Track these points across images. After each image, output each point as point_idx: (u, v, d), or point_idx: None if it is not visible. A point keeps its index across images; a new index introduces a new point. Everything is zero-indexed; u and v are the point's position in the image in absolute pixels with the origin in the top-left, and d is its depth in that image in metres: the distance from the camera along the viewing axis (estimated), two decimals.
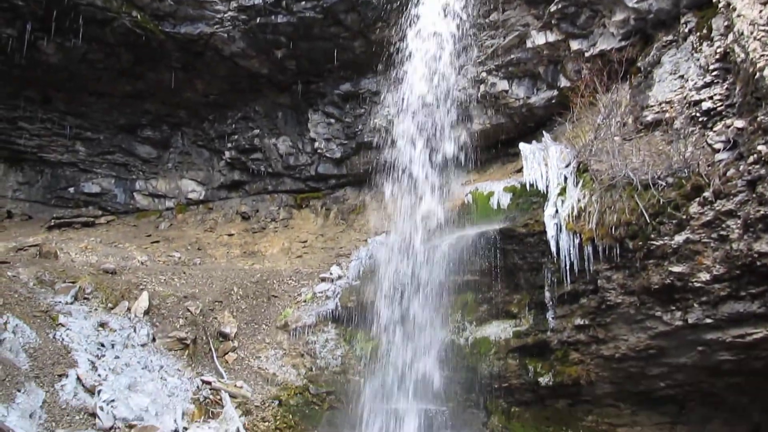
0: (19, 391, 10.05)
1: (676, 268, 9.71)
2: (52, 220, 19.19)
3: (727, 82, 9.93)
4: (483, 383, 12.43)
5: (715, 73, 10.16)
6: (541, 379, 11.91)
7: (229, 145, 19.70)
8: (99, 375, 11.39)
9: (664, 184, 9.93)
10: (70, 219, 19.38)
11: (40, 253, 16.51)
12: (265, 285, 15.77)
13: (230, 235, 19.11)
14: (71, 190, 20.07)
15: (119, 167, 20.24)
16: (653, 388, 11.10)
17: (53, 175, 20.06)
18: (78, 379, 11.01)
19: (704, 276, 9.46)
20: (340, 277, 15.44)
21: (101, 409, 10.52)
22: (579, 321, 11.31)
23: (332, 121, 18.56)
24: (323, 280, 15.63)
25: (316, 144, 18.80)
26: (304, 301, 15.00)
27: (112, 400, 10.83)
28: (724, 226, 9.16)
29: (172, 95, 18.47)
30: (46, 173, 20.04)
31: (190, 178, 20.30)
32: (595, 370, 11.35)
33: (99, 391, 10.91)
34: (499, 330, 12.60)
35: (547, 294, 11.79)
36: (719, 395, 10.74)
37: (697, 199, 9.42)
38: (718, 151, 9.50)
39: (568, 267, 11.09)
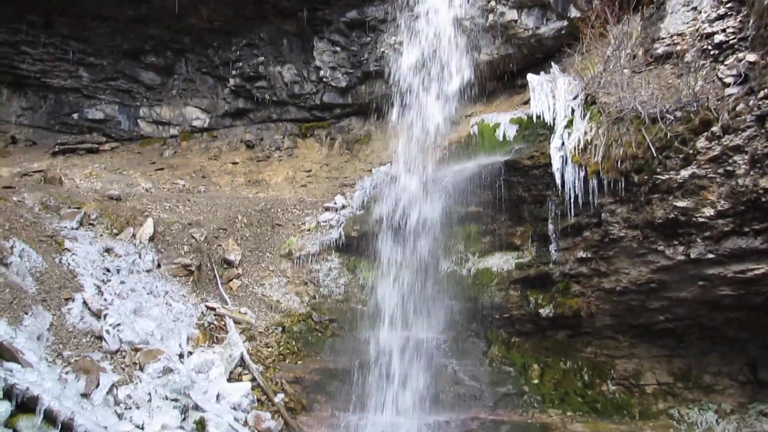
0: (26, 313, 10.18)
1: (681, 203, 9.65)
2: (57, 146, 19.15)
3: (741, 14, 9.64)
4: (484, 314, 12.56)
5: (728, 5, 9.86)
6: (541, 311, 12.01)
7: (234, 72, 19.51)
8: (105, 299, 11.52)
9: (672, 118, 9.77)
10: (74, 145, 19.34)
11: (44, 178, 16.53)
12: (269, 213, 15.81)
13: (234, 163, 19.05)
14: (75, 116, 19.96)
15: (123, 94, 20.06)
16: (653, 322, 11.20)
17: (57, 100, 19.93)
18: (84, 303, 11.13)
19: (708, 211, 9.41)
20: (344, 207, 15.45)
21: (107, 332, 10.68)
22: (581, 254, 11.34)
23: (338, 49, 18.29)
24: (327, 209, 15.64)
25: (322, 72, 18.59)
26: (308, 230, 15.06)
27: (118, 324, 10.97)
28: (730, 161, 9.05)
29: (177, 21, 18.16)
30: (49, 99, 19.90)
31: (194, 106, 20.15)
32: (596, 302, 11.43)
33: (105, 315, 11.05)
34: (501, 261, 12.67)
35: (551, 226, 11.79)
36: (718, 330, 10.83)
37: (705, 134, 9.28)
38: (729, 85, 9.30)
39: (572, 200, 11.05)
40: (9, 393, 8.32)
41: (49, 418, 8.34)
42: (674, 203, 9.72)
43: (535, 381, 12.06)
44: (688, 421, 10.72)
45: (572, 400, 11.64)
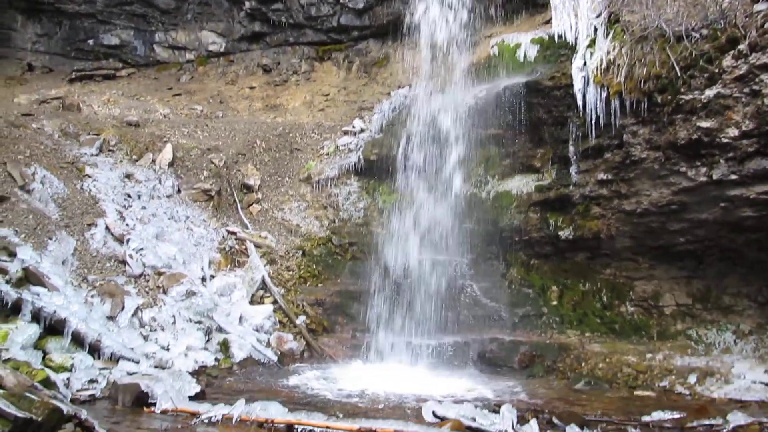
0: (50, 239, 10.37)
1: (705, 123, 9.44)
2: (73, 73, 19.07)
3: None
4: (503, 236, 12.58)
5: None
6: (561, 233, 12.01)
7: None
8: (127, 225, 11.69)
9: (698, 36, 9.46)
10: (90, 71, 19.24)
11: (63, 105, 16.55)
12: (288, 138, 15.76)
13: (252, 88, 18.89)
14: (90, 42, 19.78)
15: (138, 18, 19.77)
16: (673, 243, 11.15)
17: (72, 26, 19.71)
18: (107, 228, 11.31)
19: (732, 131, 9.21)
20: (362, 131, 15.35)
21: (130, 257, 10.88)
22: (602, 176, 11.22)
23: None
24: (346, 133, 15.55)
25: None
26: (327, 154, 15.02)
27: (141, 249, 11.16)
28: (757, 80, 8.78)
29: None
30: (64, 25, 19.68)
31: (209, 30, 19.82)
32: (616, 224, 11.38)
33: (128, 240, 11.22)
34: (521, 184, 12.61)
35: (571, 148, 11.65)
36: (738, 251, 10.76)
37: (732, 52, 8.98)
38: (757, 1, 8.95)
39: (593, 121, 10.86)
40: (37, 316, 8.57)
41: (77, 339, 8.60)
42: (698, 123, 9.52)
43: (554, 302, 12.15)
44: (706, 341, 10.78)
45: (590, 321, 11.73)
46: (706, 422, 6.48)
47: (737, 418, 6.54)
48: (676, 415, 6.89)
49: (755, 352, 10.22)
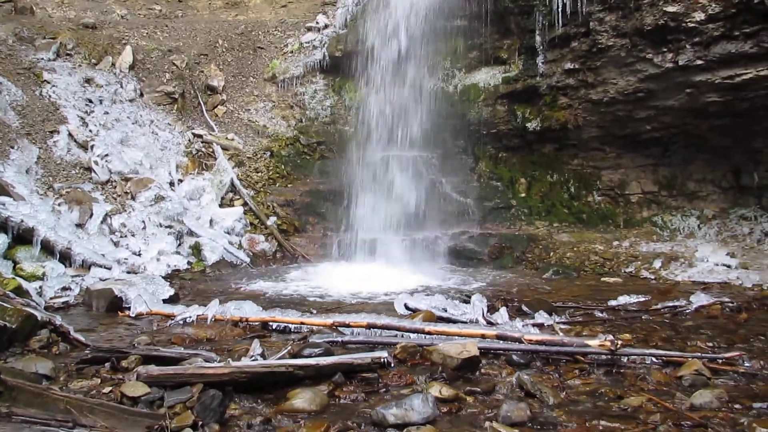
0: (12, 148, 10.03)
1: (671, 8, 9.24)
2: None
3: None
4: (471, 130, 12.46)
5: None
6: (528, 125, 11.92)
7: None
8: (90, 131, 11.34)
9: None
10: None
11: (15, 8, 15.62)
12: (250, 37, 15.21)
13: None
14: None
15: None
16: (639, 132, 11.14)
17: None
18: (69, 135, 10.96)
19: (699, 15, 9.03)
20: (326, 27, 14.83)
21: (96, 163, 10.60)
22: (569, 65, 11.04)
23: None
24: (309, 30, 15.01)
25: None
26: (291, 52, 14.56)
27: (106, 155, 10.88)
28: None
29: None
30: None
31: None
32: (583, 114, 11.31)
33: (92, 147, 10.92)
34: (488, 76, 12.38)
35: (538, 38, 11.38)
36: (703, 137, 10.80)
37: None
38: None
39: (560, 9, 10.60)
40: (4, 226, 8.36)
41: (47, 248, 8.45)
42: (664, 8, 9.31)
43: (523, 194, 12.20)
44: (671, 227, 10.97)
45: (558, 211, 11.84)
46: (670, 304, 6.63)
47: (700, 298, 6.70)
48: (642, 299, 7.04)
49: (718, 235, 10.43)
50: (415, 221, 11.35)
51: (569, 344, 4.65)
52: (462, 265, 10.41)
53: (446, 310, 6.07)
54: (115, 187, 10.46)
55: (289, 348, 4.58)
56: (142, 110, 12.53)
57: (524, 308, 6.48)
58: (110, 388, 3.95)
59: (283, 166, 12.61)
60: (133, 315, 6.38)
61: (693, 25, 9.12)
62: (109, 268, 8.56)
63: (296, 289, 8.37)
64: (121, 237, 9.54)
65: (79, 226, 9.34)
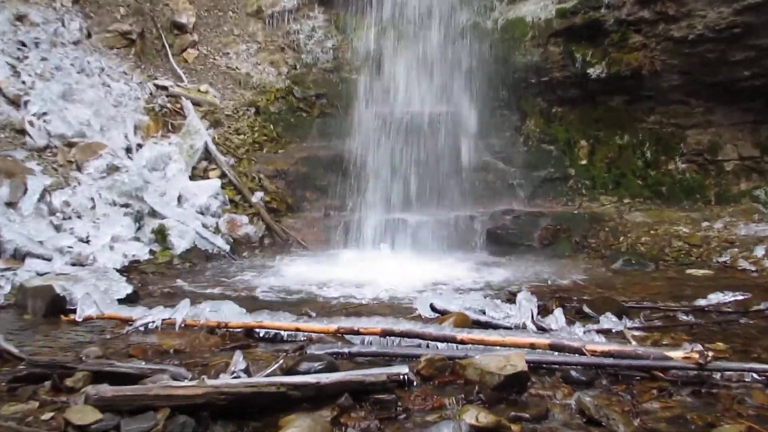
0: None
1: None
2: None
3: None
4: (516, 78, 12.44)
5: None
6: (591, 71, 11.86)
7: None
8: (23, 83, 11.33)
9: None
10: None
11: None
12: None
13: None
14: None
15: None
16: (735, 79, 11.03)
17: None
18: None
19: None
20: None
21: (31, 124, 10.61)
22: None
23: None
24: None
25: None
26: None
27: (44, 114, 10.88)
28: None
29: None
30: None
31: None
32: (662, 56, 11.22)
33: (26, 103, 10.91)
34: (537, 8, 12.33)
35: None
36: None
37: None
38: None
39: None
40: None
41: None
42: None
43: (583, 161, 12.15)
44: None
45: (630, 183, 11.79)
46: None
47: None
48: (739, 297, 6.95)
49: None
50: (444, 197, 11.34)
51: (645, 356, 4.61)
52: (504, 254, 10.38)
53: (484, 312, 6.04)
54: (56, 154, 10.48)
55: (281, 362, 4.57)
56: (90, 55, 12.52)
57: (586, 310, 6.44)
58: (52, 414, 3.94)
59: (272, 127, 12.61)
60: (80, 319, 6.39)
61: None
62: (49, 260, 8.58)
63: (290, 284, 8.36)
64: (64, 219, 9.56)
65: (10, 205, 9.36)
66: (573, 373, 4.53)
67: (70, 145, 10.65)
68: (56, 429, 3.74)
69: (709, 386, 4.40)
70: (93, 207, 9.87)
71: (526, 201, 11.56)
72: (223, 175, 11.37)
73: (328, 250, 10.54)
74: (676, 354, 4.55)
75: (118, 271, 8.44)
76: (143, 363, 4.78)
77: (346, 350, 4.98)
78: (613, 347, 4.77)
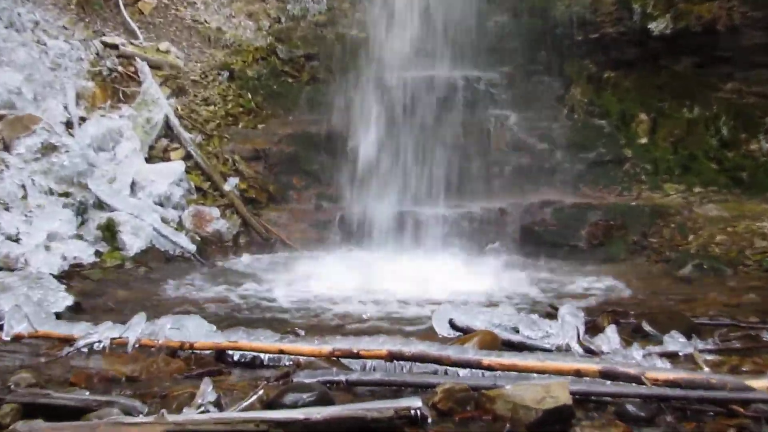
0: None
1: None
2: None
3: None
4: (558, 35, 12.47)
5: None
6: (652, 25, 11.85)
7: None
8: None
9: None
10: None
11: None
12: None
13: None
14: None
15: None
16: None
17: None
18: None
19: None
20: None
21: None
22: None
23: None
24: None
25: None
26: None
27: None
28: None
29: None
30: None
31: None
32: (741, 8, 11.21)
33: None
34: None
35: None
36: None
37: None
38: None
39: None
40: None
41: None
42: None
43: (643, 140, 12.13)
44: None
45: (702, 167, 11.76)
46: None
47: None
48: None
49: None
50: (466, 185, 11.32)
51: (720, 386, 4.60)
52: (543, 256, 10.37)
53: (517, 331, 6.05)
54: None
55: (261, 392, 4.57)
56: (21, 6, 12.51)
57: (646, 327, 6.43)
58: None
59: (249, 95, 12.63)
60: (8, 338, 6.39)
61: None
62: None
63: (271, 294, 8.37)
64: None
65: None
66: (629, 407, 4.52)
67: None
68: None
69: None
70: (24, 196, 9.87)
71: (570, 190, 11.51)
72: (187, 157, 11.38)
73: (321, 252, 10.53)
74: (760, 384, 4.54)
75: (55, 277, 8.41)
76: (87, 393, 4.78)
77: (342, 378, 4.97)
78: (681, 375, 4.76)
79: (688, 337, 6.04)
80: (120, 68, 12.35)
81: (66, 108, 11.35)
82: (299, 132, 12.11)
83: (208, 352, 5.76)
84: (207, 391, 4.53)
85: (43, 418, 4.09)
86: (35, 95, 11.27)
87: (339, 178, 11.39)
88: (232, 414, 4.16)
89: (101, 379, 5.31)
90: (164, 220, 10.43)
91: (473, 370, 5.02)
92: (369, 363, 5.30)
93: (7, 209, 9.68)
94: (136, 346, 5.90)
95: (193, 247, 10.28)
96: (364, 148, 11.43)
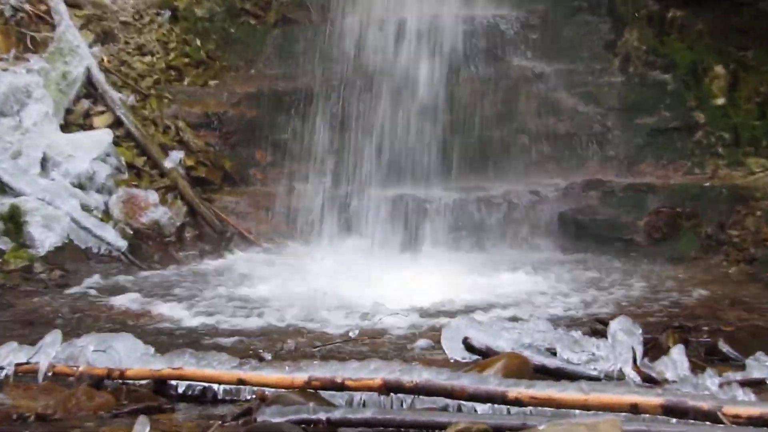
0: None
1: None
2: None
3: None
4: None
5: None
6: None
7: None
8: None
9: None
10: None
11: None
12: None
13: None
14: None
15: None
16: None
17: None
18: None
19: None
20: None
21: None
22: None
23: None
24: None
25: None
26: None
27: None
28: None
29: None
30: None
31: None
32: None
33: None
34: None
35: None
36: None
37: None
38: None
39: None
40: None
41: None
42: None
43: (719, 100, 12.16)
44: None
45: None
46: None
47: None
48: None
49: None
50: (487, 160, 11.35)
51: None
52: (588, 253, 10.40)
53: (554, 353, 6.05)
54: None
55: None
56: None
57: (723, 348, 6.44)
58: None
59: (198, 42, 12.65)
60: None
61: None
62: None
63: (228, 305, 8.38)
64: None
65: None
66: None
67: None
68: None
69: None
70: None
71: (624, 167, 11.54)
72: (116, 123, 11.37)
73: (293, 248, 10.54)
74: None
75: None
76: None
77: (323, 416, 4.97)
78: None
79: None
80: (27, 7, 12.33)
81: None
82: (264, 90, 12.13)
83: (143, 381, 5.77)
84: None
85: None
86: None
87: (318, 151, 11.39)
88: None
89: (3, 417, 5.31)
90: (85, 208, 10.43)
91: (496, 405, 5.02)
92: (357, 396, 5.31)
93: None
94: (50, 374, 5.90)
95: (123, 243, 10.28)
96: (350, 113, 11.44)
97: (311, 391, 5.40)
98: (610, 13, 12.66)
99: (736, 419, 4.61)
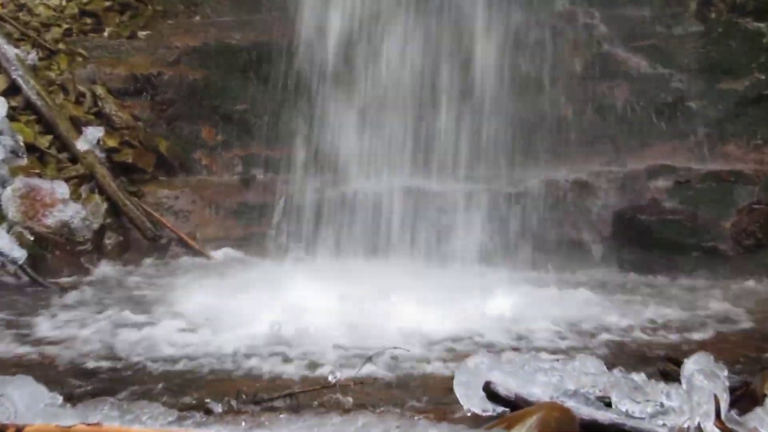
0: None
1: None
2: None
3: None
4: None
5: None
6: None
7: None
8: None
9: None
10: None
11: None
12: None
13: None
14: None
15: None
16: None
17: None
18: None
19: None
20: None
21: None
22: None
23: None
24: None
25: None
26: None
27: None
28: None
29: None
30: None
31: None
32: None
33: None
34: None
35: None
36: None
37: None
38: None
39: None
40: None
41: None
42: None
43: None
44: None
45: None
46: None
47: None
48: None
49: None
50: (516, 140, 11.34)
51: None
52: (654, 264, 10.40)
53: (608, 404, 6.05)
54: None
55: None
56: None
57: None
58: None
59: None
60: None
61: None
62: None
63: (164, 338, 8.38)
64: None
65: None
66: None
67: None
68: None
69: None
70: None
71: (702, 148, 11.55)
72: (12, 90, 11.38)
73: (250, 260, 10.55)
74: None
75: None
76: None
77: None
78: None
79: None
80: None
81: None
82: (212, 44, 12.14)
83: None
84: None
85: None
86: None
87: (286, 127, 11.39)
88: None
89: None
90: None
91: None
92: None
93: None
94: None
95: (21, 254, 10.27)
96: (332, 76, 11.46)
97: None
98: None
99: None
